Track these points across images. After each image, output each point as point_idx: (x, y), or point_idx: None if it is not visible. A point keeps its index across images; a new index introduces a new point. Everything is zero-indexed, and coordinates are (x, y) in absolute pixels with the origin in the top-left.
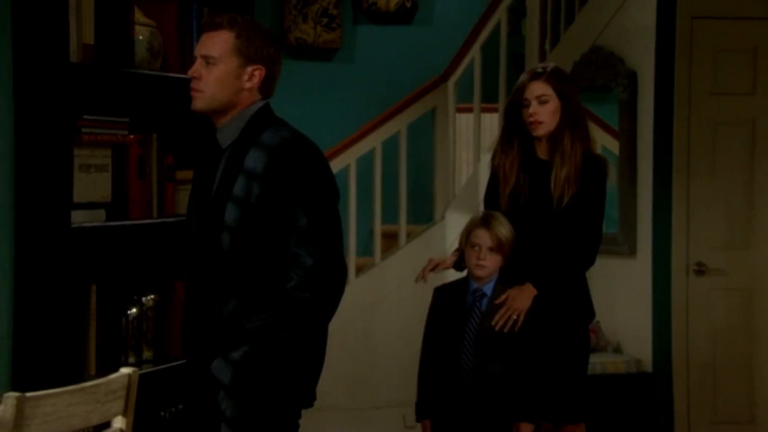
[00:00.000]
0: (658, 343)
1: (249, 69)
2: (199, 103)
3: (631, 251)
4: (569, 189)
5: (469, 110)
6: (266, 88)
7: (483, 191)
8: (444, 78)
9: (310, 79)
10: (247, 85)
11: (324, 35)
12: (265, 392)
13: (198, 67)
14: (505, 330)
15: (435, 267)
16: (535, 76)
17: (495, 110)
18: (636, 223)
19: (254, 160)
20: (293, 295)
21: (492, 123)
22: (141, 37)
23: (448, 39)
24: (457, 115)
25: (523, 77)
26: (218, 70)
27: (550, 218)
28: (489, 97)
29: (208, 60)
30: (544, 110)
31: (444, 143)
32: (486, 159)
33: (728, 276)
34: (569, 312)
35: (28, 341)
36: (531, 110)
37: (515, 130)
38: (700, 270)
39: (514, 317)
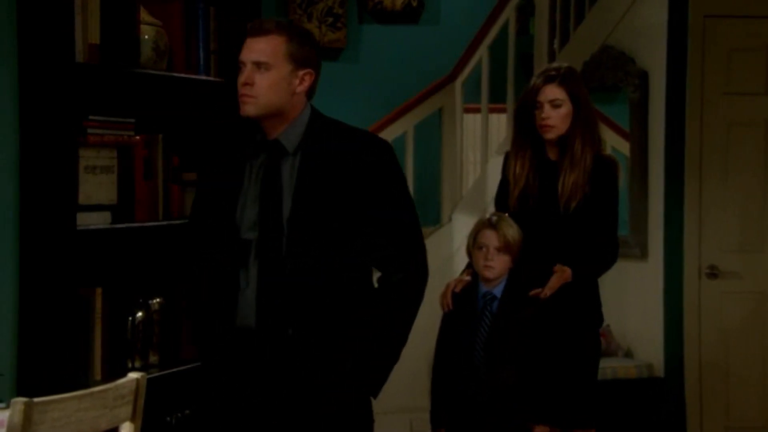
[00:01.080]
0: (670, 348)
1: (300, 73)
2: (252, 108)
3: (643, 254)
4: (577, 193)
5: (477, 111)
6: (312, 91)
7: (491, 193)
8: (451, 78)
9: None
10: (299, 89)
11: (329, 35)
12: (377, 383)
13: (250, 73)
14: (533, 293)
15: (454, 289)
16: (549, 79)
17: (503, 111)
18: (647, 226)
19: (343, 163)
20: (403, 289)
21: (500, 123)
22: (147, 37)
23: (455, 38)
24: (465, 115)
25: (536, 79)
26: (271, 76)
27: (558, 222)
28: (497, 97)
29: (260, 65)
30: (556, 114)
31: (451, 144)
32: (494, 161)
33: (742, 279)
34: (579, 316)
35: (32, 345)
36: (543, 114)
37: (527, 132)
38: (713, 273)
39: (547, 293)
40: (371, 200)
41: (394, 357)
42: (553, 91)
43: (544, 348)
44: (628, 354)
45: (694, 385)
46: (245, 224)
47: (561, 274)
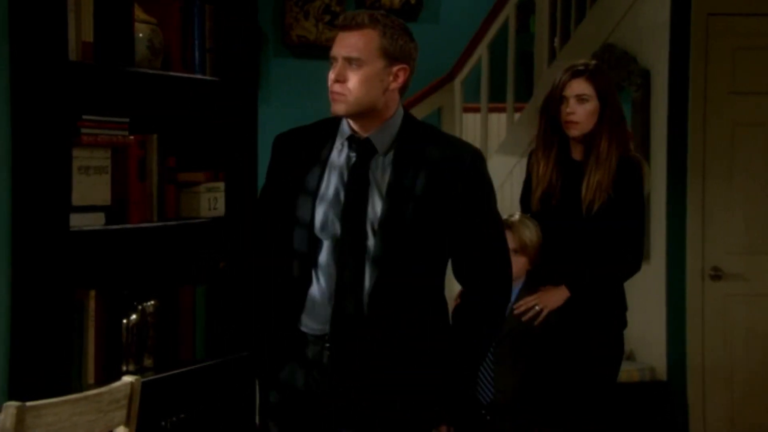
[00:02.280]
0: (673, 351)
1: (394, 69)
2: (343, 107)
3: (645, 255)
4: (600, 195)
5: (477, 110)
6: (407, 86)
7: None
8: (450, 77)
9: (311, 78)
10: (393, 86)
11: (326, 33)
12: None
13: (341, 69)
14: (523, 319)
15: None
16: (576, 73)
17: (503, 110)
18: (650, 227)
19: (438, 168)
20: (501, 304)
21: (500, 123)
22: (141, 35)
23: (454, 37)
24: (464, 114)
25: (563, 74)
26: (364, 72)
27: (580, 224)
28: (497, 96)
29: (352, 61)
30: (582, 110)
31: None
32: (494, 160)
33: (746, 281)
34: (602, 318)
35: (25, 348)
36: (568, 109)
37: (553, 129)
38: (717, 275)
39: (537, 309)
40: (466, 209)
41: (472, 380)
42: (579, 86)
43: (556, 353)
44: (631, 357)
45: (698, 389)
46: (321, 223)
47: (551, 292)
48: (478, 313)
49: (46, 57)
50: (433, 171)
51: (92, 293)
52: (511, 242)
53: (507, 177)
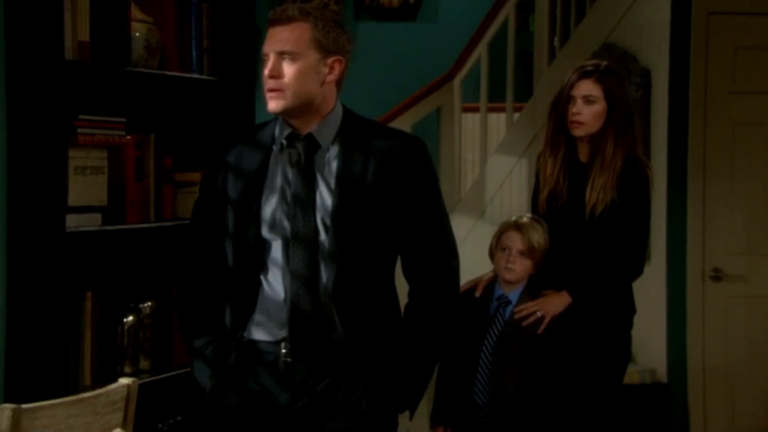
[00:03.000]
0: (673, 353)
1: (329, 61)
2: (280, 103)
3: (645, 256)
4: (604, 197)
5: (476, 110)
6: (342, 79)
7: (490, 194)
8: (449, 77)
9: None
10: (329, 78)
11: None
12: (415, 399)
13: (275, 64)
14: (523, 324)
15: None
16: (585, 74)
17: (502, 110)
18: (650, 228)
19: (382, 160)
20: (449, 294)
21: (499, 123)
22: (138, 34)
23: (453, 36)
24: (463, 114)
25: (572, 74)
26: (299, 65)
27: (584, 226)
28: (496, 96)
29: (285, 55)
30: (588, 111)
31: (449, 144)
32: (493, 161)
33: (747, 282)
34: (607, 318)
35: (21, 350)
36: (575, 109)
37: (561, 130)
38: (717, 276)
39: (539, 315)
40: (415, 200)
41: (432, 371)
42: (587, 87)
43: (559, 354)
44: (631, 359)
45: (698, 391)
46: (270, 224)
47: (552, 298)
48: (428, 307)
49: (42, 56)
50: (381, 161)
51: (89, 295)
52: (519, 244)
53: (506, 177)
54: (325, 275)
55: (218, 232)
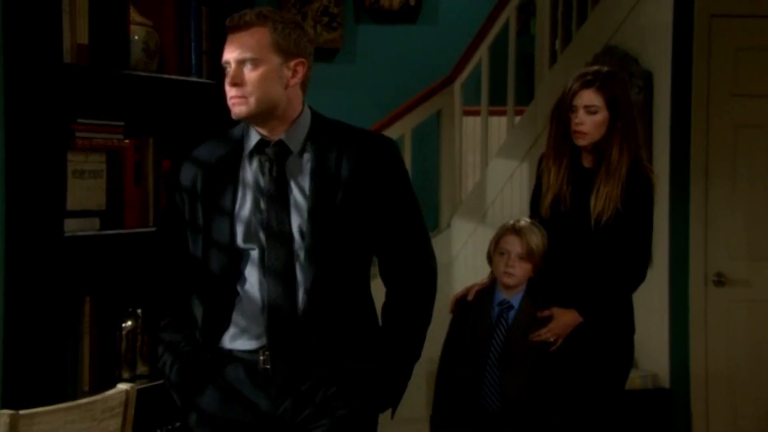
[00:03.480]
0: (676, 358)
1: (291, 64)
2: (244, 109)
3: None
4: (609, 207)
5: (477, 113)
6: (306, 81)
7: (491, 197)
8: (450, 79)
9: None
10: (293, 81)
11: (324, 35)
12: (395, 399)
13: (236, 72)
14: (535, 339)
15: (466, 296)
16: (586, 83)
17: (503, 113)
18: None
19: (354, 163)
20: (427, 294)
21: (500, 126)
22: (137, 37)
23: (454, 39)
24: (464, 118)
25: (573, 82)
26: (261, 71)
27: (589, 233)
28: (497, 99)
29: (246, 62)
30: (590, 121)
31: (450, 148)
32: (494, 164)
33: (750, 287)
34: (609, 325)
35: (19, 355)
36: (577, 120)
37: (564, 136)
38: (720, 281)
39: (551, 340)
40: (388, 199)
41: (410, 371)
42: (589, 97)
43: (562, 359)
44: (633, 364)
45: (701, 397)
46: (244, 234)
47: (564, 320)
48: (405, 306)
49: (40, 59)
50: (353, 162)
51: (87, 299)
52: (519, 247)
53: (508, 181)
54: (302, 279)
55: (187, 241)
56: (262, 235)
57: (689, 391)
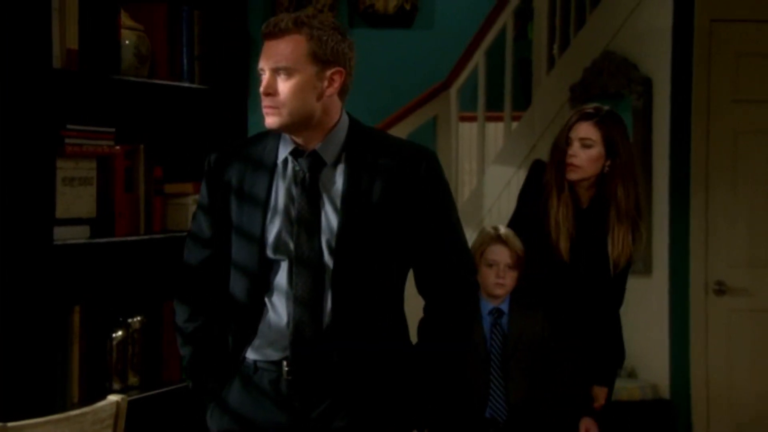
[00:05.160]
0: (676, 368)
1: (328, 73)
2: (276, 120)
3: (647, 269)
4: (625, 249)
5: (473, 119)
6: (345, 89)
7: (488, 205)
8: (446, 85)
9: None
10: (329, 91)
11: None
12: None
13: (270, 81)
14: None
15: None
16: (584, 116)
17: (500, 119)
18: (651, 240)
19: (392, 175)
20: (466, 312)
21: (497, 132)
22: (128, 42)
23: (450, 43)
24: (461, 124)
25: (572, 116)
26: (295, 81)
27: (608, 278)
28: (494, 105)
29: (280, 72)
30: (584, 155)
31: (446, 154)
32: (491, 171)
33: (751, 296)
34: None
35: (6, 366)
36: (571, 152)
37: (560, 170)
38: (721, 289)
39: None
40: (425, 216)
41: (444, 390)
42: (585, 130)
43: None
44: (632, 374)
45: (702, 408)
46: (274, 244)
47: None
48: (446, 325)
49: (29, 64)
50: (388, 178)
51: (76, 309)
52: (507, 258)
53: (505, 187)
54: (329, 300)
55: (219, 250)
56: (291, 248)
57: (690, 402)
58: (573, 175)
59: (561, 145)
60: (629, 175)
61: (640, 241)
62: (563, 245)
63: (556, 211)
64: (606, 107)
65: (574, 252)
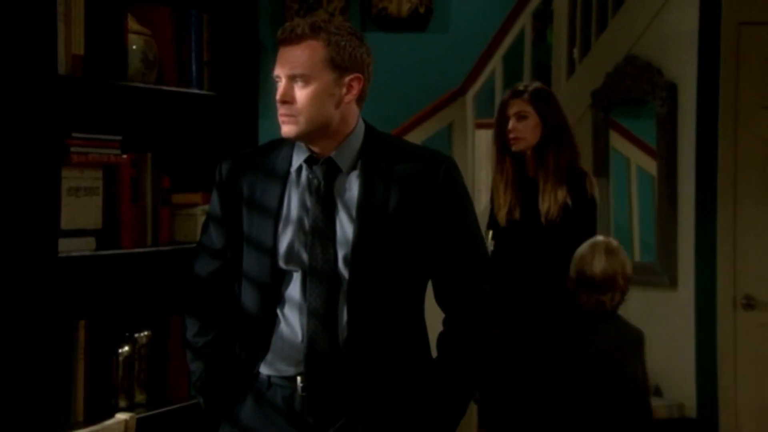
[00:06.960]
0: (703, 386)
1: (346, 80)
2: (293, 128)
3: (672, 283)
4: (554, 203)
5: (490, 126)
6: (363, 95)
7: None
8: (462, 91)
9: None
10: (347, 98)
11: None
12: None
13: (286, 89)
14: None
15: None
16: (515, 94)
17: None
18: (676, 252)
19: (409, 183)
20: (486, 325)
21: None
22: (135, 47)
23: (466, 48)
24: (476, 131)
25: (504, 96)
26: (312, 89)
27: (540, 233)
28: None
29: (297, 79)
30: (522, 126)
31: (462, 162)
32: None
33: None
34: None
35: (9, 383)
36: (510, 126)
37: (504, 149)
38: (749, 304)
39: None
40: (444, 224)
41: (463, 407)
42: (518, 105)
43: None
44: (657, 392)
45: (730, 427)
46: (286, 254)
47: None
48: (465, 338)
49: (33, 70)
50: (405, 186)
51: (82, 323)
52: None
53: None
54: (345, 313)
55: (230, 261)
56: (304, 259)
57: (718, 421)
58: (518, 146)
59: (501, 125)
60: (560, 140)
61: (591, 188)
62: (501, 213)
63: (497, 184)
64: (535, 83)
65: (510, 217)
